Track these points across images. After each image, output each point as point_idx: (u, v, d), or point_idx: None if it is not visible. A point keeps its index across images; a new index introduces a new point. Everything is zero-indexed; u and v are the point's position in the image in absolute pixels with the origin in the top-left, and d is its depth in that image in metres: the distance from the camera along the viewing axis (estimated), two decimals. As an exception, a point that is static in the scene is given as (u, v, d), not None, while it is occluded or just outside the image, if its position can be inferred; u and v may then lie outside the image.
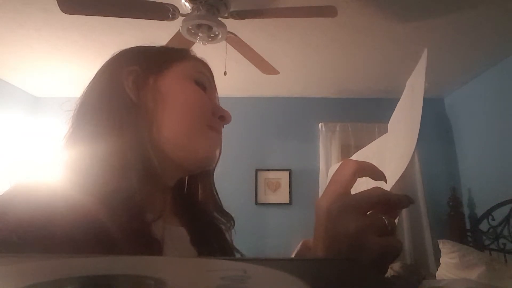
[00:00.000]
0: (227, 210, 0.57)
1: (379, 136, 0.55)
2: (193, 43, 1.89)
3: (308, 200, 2.89)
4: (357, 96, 3.34)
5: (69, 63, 2.69)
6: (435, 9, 1.96)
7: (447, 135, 3.22)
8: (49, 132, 3.09)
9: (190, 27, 1.77)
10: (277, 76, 2.45)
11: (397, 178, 0.37)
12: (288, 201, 3.15)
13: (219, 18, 1.78)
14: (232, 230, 0.58)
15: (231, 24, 1.86)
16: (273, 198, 3.17)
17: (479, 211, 2.77)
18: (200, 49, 0.61)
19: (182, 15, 1.76)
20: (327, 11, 1.72)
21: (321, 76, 2.95)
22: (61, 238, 0.31)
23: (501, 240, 2.45)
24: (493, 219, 2.54)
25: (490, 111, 2.70)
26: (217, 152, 0.52)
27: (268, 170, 3.21)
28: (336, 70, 2.83)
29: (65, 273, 0.16)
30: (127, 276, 0.16)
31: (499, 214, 2.50)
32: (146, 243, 0.38)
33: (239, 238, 0.63)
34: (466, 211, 2.91)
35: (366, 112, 3.25)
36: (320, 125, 3.25)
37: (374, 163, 0.37)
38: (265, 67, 2.27)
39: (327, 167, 3.07)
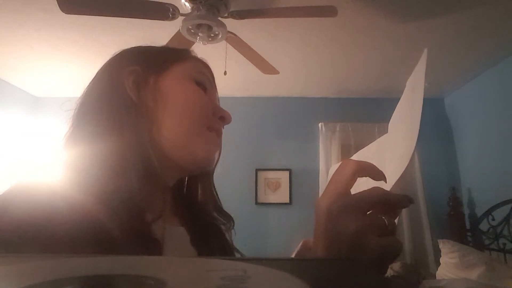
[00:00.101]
0: (227, 210, 0.57)
1: (379, 136, 0.55)
2: (193, 43, 1.89)
3: (308, 200, 2.89)
4: (357, 96, 3.34)
5: (69, 63, 2.69)
6: (435, 9, 1.97)
7: (447, 135, 3.22)
8: (49, 132, 3.09)
9: (190, 27, 1.77)
10: (277, 76, 2.45)
11: (397, 178, 0.37)
12: (288, 201, 3.15)
13: (219, 18, 1.78)
14: (232, 230, 0.58)
15: (231, 24, 1.86)
16: (273, 198, 3.17)
17: (479, 211, 2.77)
18: (200, 49, 0.62)
19: (182, 15, 1.76)
20: (327, 11, 1.72)
21: (321, 76, 2.95)
22: (61, 238, 0.31)
23: (501, 240, 2.45)
24: (493, 219, 2.54)
25: (490, 111, 2.70)
26: (217, 153, 0.52)
27: (268, 170, 3.21)
28: (336, 70, 2.83)
29: (65, 273, 0.16)
30: (127, 276, 0.16)
31: (499, 214, 2.50)
32: (146, 243, 0.38)
33: (239, 238, 0.63)
34: (466, 211, 2.91)
35: (366, 112, 3.25)
36: (320, 125, 3.25)
37: (374, 163, 0.37)
38: (265, 67, 2.27)
39: (327, 167, 3.07)
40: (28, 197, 0.35)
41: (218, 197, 0.57)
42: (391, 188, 0.37)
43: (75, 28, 2.19)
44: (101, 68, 0.50)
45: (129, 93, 0.46)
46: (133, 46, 0.54)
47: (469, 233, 2.78)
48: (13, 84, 3.09)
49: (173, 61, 0.51)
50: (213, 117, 0.50)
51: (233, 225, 0.57)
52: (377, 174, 0.37)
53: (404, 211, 2.82)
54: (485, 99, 2.78)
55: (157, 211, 0.42)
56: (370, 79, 2.99)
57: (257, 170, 3.20)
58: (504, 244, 2.41)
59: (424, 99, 0.37)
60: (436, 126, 3.21)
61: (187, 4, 1.76)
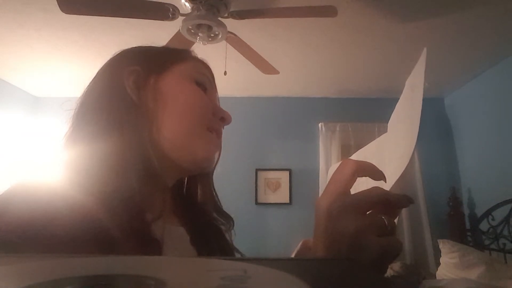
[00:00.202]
0: (227, 210, 0.57)
1: (379, 136, 0.55)
2: (193, 43, 1.89)
3: (308, 200, 2.89)
4: (357, 96, 3.34)
5: (69, 63, 2.69)
6: (435, 9, 1.97)
7: (447, 135, 3.22)
8: (49, 132, 3.09)
9: (190, 27, 1.77)
10: (277, 76, 2.45)
11: (397, 178, 0.37)
12: (288, 201, 3.15)
13: (219, 18, 1.78)
14: (232, 231, 0.58)
15: (231, 24, 1.86)
16: (273, 198, 3.17)
17: (479, 211, 2.77)
18: (200, 49, 0.62)
19: (182, 15, 1.76)
20: (327, 11, 1.72)
21: (321, 76, 2.95)
22: (61, 238, 0.31)
23: (501, 240, 2.45)
24: (493, 219, 2.54)
25: (490, 111, 2.70)
26: (216, 154, 0.52)
27: (268, 170, 3.21)
28: (336, 70, 2.83)
29: (65, 273, 0.16)
30: (127, 276, 0.16)
31: (499, 214, 2.50)
32: (146, 243, 0.38)
33: (239, 238, 0.63)
34: (466, 211, 2.91)
35: (366, 112, 3.25)
36: (320, 125, 3.25)
37: (373, 163, 0.37)
38: (265, 67, 2.27)
39: (327, 167, 3.07)
40: (28, 197, 0.35)
41: (217, 198, 0.57)
42: (391, 188, 0.37)
43: (75, 28, 2.19)
44: (101, 68, 0.50)
45: (129, 93, 0.46)
46: (133, 46, 0.54)
47: (469, 233, 2.78)
48: (13, 84, 3.09)
49: (173, 61, 0.51)
50: (213, 117, 0.50)
51: (233, 226, 0.57)
52: (377, 174, 0.37)
53: (404, 211, 2.82)
54: (485, 99, 2.78)
55: (157, 211, 0.42)
56: (370, 79, 2.99)
57: (257, 170, 3.20)
58: (504, 244, 2.41)
59: (424, 99, 0.37)
60: (436, 126, 3.21)
61: (187, 4, 1.76)
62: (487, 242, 2.59)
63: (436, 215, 2.95)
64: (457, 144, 3.16)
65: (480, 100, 2.84)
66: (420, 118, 0.36)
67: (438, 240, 2.52)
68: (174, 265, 0.21)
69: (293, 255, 0.48)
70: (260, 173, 3.20)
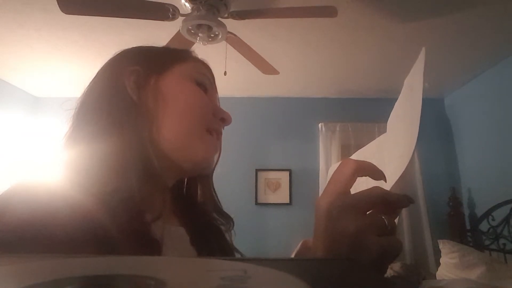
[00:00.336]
0: (227, 211, 0.57)
1: (379, 136, 0.55)
2: (193, 43, 1.89)
3: (308, 200, 2.89)
4: (357, 96, 3.34)
5: (69, 63, 2.69)
6: (435, 9, 1.97)
7: (447, 135, 3.22)
8: (49, 132, 3.09)
9: (190, 27, 1.77)
10: (277, 76, 2.45)
11: (397, 177, 0.37)
12: (288, 201, 3.15)
13: (219, 18, 1.78)
14: (232, 231, 0.57)
15: (231, 24, 1.86)
16: (273, 198, 3.17)
17: (479, 211, 2.77)
18: (200, 49, 0.62)
19: (182, 15, 1.76)
20: (327, 11, 1.72)
21: (321, 76, 2.95)
22: (61, 238, 0.31)
23: (501, 240, 2.45)
24: (493, 219, 2.54)
25: (490, 111, 2.70)
26: (216, 155, 0.52)
27: (268, 170, 3.21)
28: (336, 70, 2.83)
29: (65, 273, 0.16)
30: (127, 276, 0.16)
31: (499, 214, 2.50)
32: (146, 243, 0.38)
33: (239, 238, 0.63)
34: (466, 211, 2.91)
35: (366, 112, 3.25)
36: (320, 125, 3.25)
37: (373, 163, 0.37)
38: (265, 67, 2.27)
39: (327, 167, 3.07)
40: (28, 197, 0.35)
41: (217, 198, 0.57)
42: (391, 188, 0.37)
43: (75, 28, 2.19)
44: (102, 67, 0.50)
45: (129, 93, 0.46)
46: (134, 46, 0.54)
47: (469, 233, 2.78)
48: (13, 84, 3.09)
49: (174, 61, 0.51)
50: (213, 118, 0.50)
51: (233, 226, 0.57)
52: (377, 174, 0.37)
53: (404, 211, 2.81)
54: (485, 99, 2.78)
55: (157, 211, 0.42)
56: (370, 79, 2.99)
57: (257, 170, 3.20)
58: (504, 244, 2.41)
59: (424, 99, 0.37)
60: (436, 126, 3.21)
61: (187, 4, 1.76)
62: (487, 242, 2.59)
63: (436, 215, 2.95)
64: (457, 144, 3.15)
65: (480, 100, 2.84)
66: (420, 118, 0.36)
67: (438, 240, 2.52)
68: (174, 265, 0.21)
69: (293, 255, 0.48)
70: (260, 173, 3.20)
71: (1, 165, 2.84)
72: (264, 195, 3.17)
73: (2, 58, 2.61)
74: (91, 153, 0.42)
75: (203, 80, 0.52)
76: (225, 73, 2.09)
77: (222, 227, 0.56)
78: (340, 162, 0.37)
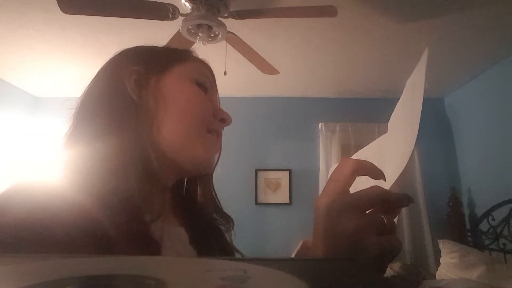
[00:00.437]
0: (227, 210, 0.57)
1: (379, 136, 0.55)
2: (193, 43, 1.89)
3: (308, 200, 2.89)
4: (357, 96, 3.34)
5: (69, 63, 2.69)
6: (435, 9, 1.97)
7: (447, 135, 3.22)
8: (49, 132, 3.09)
9: (190, 27, 1.77)
10: (277, 76, 2.45)
11: (397, 176, 0.37)
12: (288, 201, 3.15)
13: (219, 18, 1.78)
14: (232, 231, 0.57)
15: (231, 24, 1.86)
16: (273, 198, 3.17)
17: (479, 211, 2.77)
18: (200, 49, 0.61)
19: (182, 15, 1.76)
20: (327, 11, 1.72)
21: (321, 76, 2.95)
22: (61, 238, 0.31)
23: (501, 240, 2.45)
24: (493, 219, 2.54)
25: (490, 111, 2.70)
26: (216, 156, 0.52)
27: (268, 170, 3.21)
28: (336, 70, 2.83)
29: (65, 273, 0.16)
30: (127, 276, 0.16)
31: (499, 214, 2.50)
32: (145, 243, 0.38)
33: (239, 238, 0.63)
34: (466, 211, 2.91)
35: (366, 112, 3.25)
36: (320, 125, 3.25)
37: (374, 163, 0.37)
38: (265, 67, 2.27)
39: (327, 167, 3.07)
40: (28, 197, 0.35)
41: (217, 198, 0.57)
42: (391, 187, 0.37)
43: (75, 28, 2.19)
44: (102, 67, 0.50)
45: (130, 92, 0.46)
46: (134, 46, 0.54)
47: (469, 233, 2.78)
48: (13, 84, 3.09)
49: (174, 61, 0.51)
50: (213, 118, 0.50)
51: (233, 226, 0.57)
52: (376, 173, 0.37)
53: (404, 211, 2.81)
54: (485, 99, 2.78)
55: (156, 211, 0.42)
56: (370, 79, 2.99)
57: (257, 170, 3.20)
58: (504, 244, 2.41)
59: (424, 99, 0.37)
60: (436, 126, 3.21)
61: (187, 4, 1.76)
62: (487, 242, 2.59)
63: (436, 215, 2.95)
64: (457, 144, 3.16)
65: (480, 100, 2.84)
66: (420, 118, 0.36)
67: (438, 240, 2.52)
68: (174, 265, 0.21)
69: (293, 255, 0.48)
70: (260, 173, 3.20)
71: (1, 165, 2.84)
72: (264, 195, 3.17)
73: (2, 58, 2.61)
74: (91, 153, 0.42)
75: (204, 80, 0.52)
76: (225, 73, 2.09)
77: (222, 227, 0.56)
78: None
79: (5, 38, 2.30)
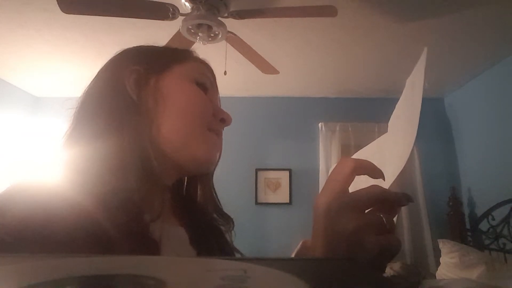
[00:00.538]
0: (227, 210, 0.57)
1: (379, 136, 0.55)
2: (193, 43, 1.89)
3: (308, 200, 2.89)
4: (357, 96, 3.34)
5: (70, 63, 2.69)
6: (435, 9, 1.96)
7: (447, 135, 3.22)
8: (49, 132, 3.09)
9: (190, 27, 1.77)
10: (277, 76, 2.45)
11: (396, 176, 0.37)
12: (288, 201, 3.15)
13: (219, 18, 1.78)
14: (232, 231, 0.57)
15: (231, 24, 1.86)
16: (273, 198, 3.17)
17: (479, 211, 2.77)
18: (200, 49, 0.61)
19: (182, 15, 1.76)
20: (327, 11, 1.72)
21: (321, 76, 2.95)
22: (60, 238, 0.31)
23: (501, 240, 2.45)
24: (493, 219, 2.54)
25: (490, 111, 2.70)
26: (217, 155, 0.52)
27: (268, 170, 3.21)
28: (336, 70, 2.83)
29: (65, 273, 0.16)
30: (127, 276, 0.16)
31: (499, 214, 2.50)
32: (144, 243, 0.38)
33: (239, 238, 0.63)
34: (466, 211, 2.91)
35: (366, 112, 3.25)
36: (320, 125, 3.25)
37: (374, 162, 0.37)
38: (265, 67, 2.27)
39: (327, 167, 3.07)
40: (28, 197, 0.35)
41: (217, 198, 0.56)
42: (390, 186, 0.37)
43: (75, 28, 2.19)
44: (103, 67, 0.50)
45: (129, 92, 0.46)
46: (134, 45, 0.54)
47: (469, 233, 2.78)
48: (13, 84, 3.09)
49: (174, 61, 0.51)
50: (213, 118, 0.50)
51: (233, 227, 0.57)
52: (375, 172, 0.37)
53: (403, 211, 2.82)
54: (485, 99, 2.78)
55: (156, 211, 0.42)
56: (370, 79, 2.99)
57: (257, 170, 3.20)
58: (504, 244, 2.41)
59: (424, 99, 0.37)
60: (436, 126, 3.21)
61: (187, 4, 1.76)
62: (487, 242, 2.59)
63: (436, 215, 2.95)
64: (457, 144, 3.15)
65: (480, 100, 2.84)
66: (420, 118, 0.36)
67: (438, 240, 2.52)
68: (174, 265, 0.21)
69: (293, 255, 0.48)
70: (260, 173, 3.20)
71: (1, 165, 2.84)
72: (264, 195, 3.17)
73: (2, 58, 2.61)
74: (91, 152, 0.42)
75: (204, 80, 0.51)
76: (225, 73, 2.09)
77: (222, 227, 0.56)
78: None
79: (5, 38, 2.30)
